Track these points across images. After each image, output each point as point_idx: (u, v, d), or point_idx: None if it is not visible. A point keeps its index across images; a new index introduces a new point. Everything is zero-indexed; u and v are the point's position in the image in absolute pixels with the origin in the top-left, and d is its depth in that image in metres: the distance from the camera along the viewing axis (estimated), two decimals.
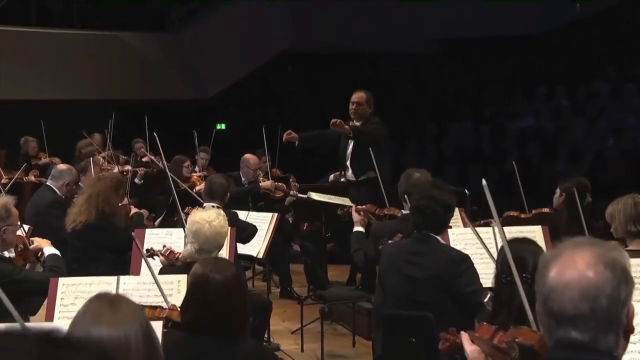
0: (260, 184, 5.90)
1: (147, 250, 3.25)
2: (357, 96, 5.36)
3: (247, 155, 6.07)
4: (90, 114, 9.51)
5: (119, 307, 1.38)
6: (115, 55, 10.25)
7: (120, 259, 4.00)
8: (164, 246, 3.24)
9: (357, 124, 5.32)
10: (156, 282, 2.61)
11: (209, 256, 2.90)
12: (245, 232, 4.20)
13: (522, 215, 4.28)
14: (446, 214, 3.10)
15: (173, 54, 10.73)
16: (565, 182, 4.23)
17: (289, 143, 5.59)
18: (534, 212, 4.28)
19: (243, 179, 5.98)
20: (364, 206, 4.24)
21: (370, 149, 4.78)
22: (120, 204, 4.22)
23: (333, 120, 5.07)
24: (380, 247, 3.49)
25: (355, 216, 4.00)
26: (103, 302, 1.39)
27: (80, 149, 7.15)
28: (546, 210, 4.22)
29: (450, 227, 3.84)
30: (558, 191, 4.23)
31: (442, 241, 3.12)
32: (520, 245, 2.28)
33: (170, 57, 10.72)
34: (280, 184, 6.12)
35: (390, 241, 3.48)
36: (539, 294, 1.34)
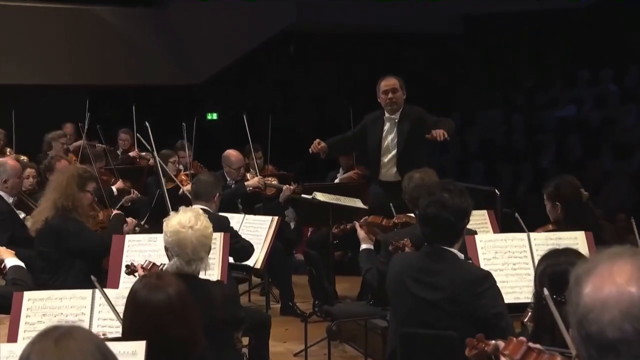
0: (245, 182, 5.87)
1: (127, 266, 3.23)
2: (391, 83, 5.27)
3: (228, 152, 6.02)
4: (63, 101, 9.53)
5: (64, 346, 1.37)
6: (90, 34, 10.25)
7: (94, 268, 3.98)
8: (146, 260, 3.21)
9: (394, 116, 5.27)
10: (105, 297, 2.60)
11: (200, 263, 2.88)
12: (238, 244, 4.16)
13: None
14: (460, 222, 2.99)
15: (158, 32, 10.73)
16: (550, 188, 4.02)
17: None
18: (538, 230, 4.11)
19: (228, 179, 5.95)
20: (367, 218, 4.14)
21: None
22: (87, 200, 4.18)
23: (439, 134, 4.86)
24: (390, 248, 3.41)
25: (360, 233, 3.88)
26: (47, 342, 1.38)
27: (50, 142, 7.15)
28: (551, 227, 3.99)
29: (476, 233, 3.82)
30: (548, 202, 4.01)
31: (458, 255, 3.02)
32: (561, 258, 2.22)
33: (154, 36, 10.72)
34: (271, 178, 6.11)
35: (401, 241, 3.40)
36: (572, 316, 1.30)
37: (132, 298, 2.22)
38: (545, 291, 1.75)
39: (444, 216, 2.95)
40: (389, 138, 5.31)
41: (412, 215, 3.96)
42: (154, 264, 3.15)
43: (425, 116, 5.30)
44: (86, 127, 6.86)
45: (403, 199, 4.05)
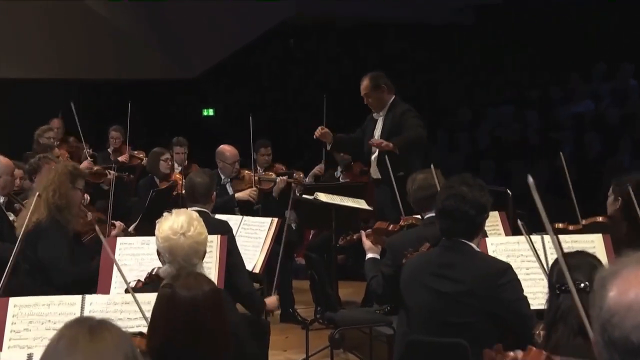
0: (236, 194, 5.89)
1: (126, 290, 3.19)
2: (362, 88, 5.49)
3: (222, 147, 6.07)
4: (48, 96, 9.52)
5: (99, 336, 1.39)
6: (78, 26, 10.24)
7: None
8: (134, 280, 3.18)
9: (381, 113, 5.45)
10: (135, 300, 2.61)
11: (193, 270, 2.88)
12: (246, 288, 3.91)
13: (571, 227, 4.21)
14: (479, 216, 3.07)
15: (150, 23, 10.74)
16: (619, 182, 4.07)
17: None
18: (584, 222, 4.18)
19: (222, 177, 5.97)
20: (374, 227, 4.13)
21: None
22: (77, 198, 4.14)
23: (377, 142, 5.16)
24: (404, 261, 3.47)
25: (366, 243, 3.90)
26: (81, 329, 1.40)
27: (38, 139, 7.14)
28: (600, 219, 4.10)
29: (487, 236, 3.83)
30: (612, 195, 4.10)
31: (477, 249, 3.11)
32: (574, 260, 2.28)
33: (146, 27, 10.72)
34: (269, 173, 6.13)
35: (415, 253, 3.44)
36: (596, 320, 1.32)
37: (169, 298, 2.23)
38: (568, 275, 1.78)
39: (464, 209, 3.02)
40: (376, 135, 5.43)
41: (419, 217, 3.99)
42: (138, 280, 3.13)
43: (407, 117, 5.36)
44: (77, 123, 6.85)
45: (408, 201, 4.08)
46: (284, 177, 5.93)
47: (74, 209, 4.11)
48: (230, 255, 3.72)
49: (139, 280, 3.12)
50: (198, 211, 3.50)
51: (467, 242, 3.07)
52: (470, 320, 2.97)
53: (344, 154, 6.50)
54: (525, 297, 3.03)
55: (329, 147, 5.66)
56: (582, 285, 2.13)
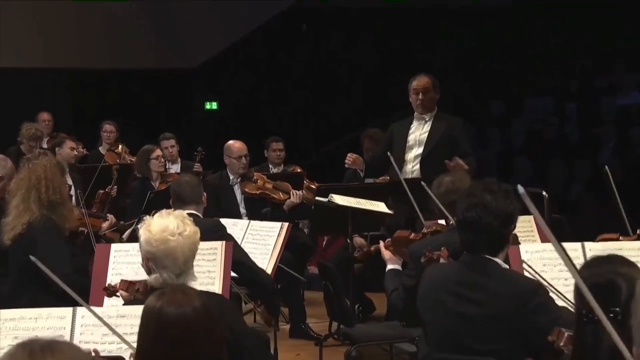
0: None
1: (105, 288, 3.25)
2: (423, 83, 5.54)
3: (229, 143, 6.15)
4: (37, 87, 9.60)
5: None
6: (67, 11, 10.30)
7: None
8: (121, 280, 3.19)
9: (424, 115, 5.54)
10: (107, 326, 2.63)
11: (188, 275, 2.87)
12: (249, 272, 4.09)
13: (622, 238, 4.15)
14: (504, 228, 2.99)
15: (148, 11, 10.78)
16: None
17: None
18: (639, 232, 4.16)
19: (231, 176, 6.00)
20: (394, 236, 4.07)
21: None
22: (67, 192, 4.19)
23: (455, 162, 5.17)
24: (422, 260, 3.43)
25: (385, 254, 3.89)
26: (22, 355, 1.37)
27: (24, 137, 7.17)
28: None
29: (519, 243, 3.81)
30: None
31: (502, 265, 3.03)
32: (608, 266, 2.13)
33: (144, 16, 10.77)
34: (284, 184, 6.15)
35: (436, 252, 3.43)
36: (638, 329, 1.33)
37: (156, 316, 2.24)
38: (595, 303, 1.69)
39: (486, 221, 2.94)
40: (417, 133, 5.53)
41: (443, 222, 3.98)
42: (130, 282, 3.14)
43: (462, 137, 5.53)
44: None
45: (432, 208, 4.07)
46: (300, 193, 5.96)
47: (69, 204, 4.12)
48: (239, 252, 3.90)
49: (129, 283, 3.13)
50: (188, 214, 3.51)
51: (492, 257, 2.99)
52: (496, 347, 2.90)
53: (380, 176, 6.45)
54: (561, 314, 2.92)
55: (362, 175, 5.80)
56: (613, 311, 1.96)
